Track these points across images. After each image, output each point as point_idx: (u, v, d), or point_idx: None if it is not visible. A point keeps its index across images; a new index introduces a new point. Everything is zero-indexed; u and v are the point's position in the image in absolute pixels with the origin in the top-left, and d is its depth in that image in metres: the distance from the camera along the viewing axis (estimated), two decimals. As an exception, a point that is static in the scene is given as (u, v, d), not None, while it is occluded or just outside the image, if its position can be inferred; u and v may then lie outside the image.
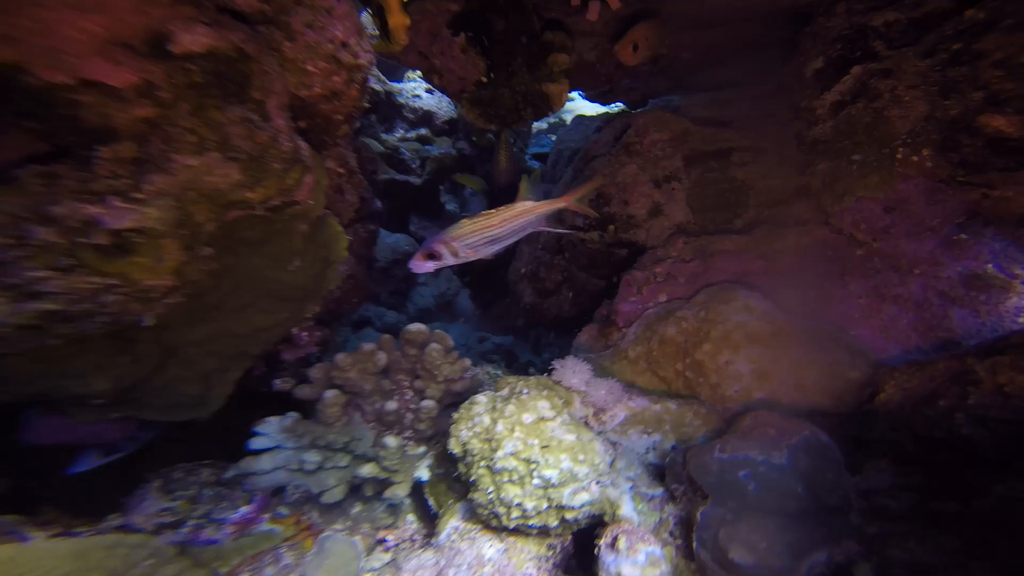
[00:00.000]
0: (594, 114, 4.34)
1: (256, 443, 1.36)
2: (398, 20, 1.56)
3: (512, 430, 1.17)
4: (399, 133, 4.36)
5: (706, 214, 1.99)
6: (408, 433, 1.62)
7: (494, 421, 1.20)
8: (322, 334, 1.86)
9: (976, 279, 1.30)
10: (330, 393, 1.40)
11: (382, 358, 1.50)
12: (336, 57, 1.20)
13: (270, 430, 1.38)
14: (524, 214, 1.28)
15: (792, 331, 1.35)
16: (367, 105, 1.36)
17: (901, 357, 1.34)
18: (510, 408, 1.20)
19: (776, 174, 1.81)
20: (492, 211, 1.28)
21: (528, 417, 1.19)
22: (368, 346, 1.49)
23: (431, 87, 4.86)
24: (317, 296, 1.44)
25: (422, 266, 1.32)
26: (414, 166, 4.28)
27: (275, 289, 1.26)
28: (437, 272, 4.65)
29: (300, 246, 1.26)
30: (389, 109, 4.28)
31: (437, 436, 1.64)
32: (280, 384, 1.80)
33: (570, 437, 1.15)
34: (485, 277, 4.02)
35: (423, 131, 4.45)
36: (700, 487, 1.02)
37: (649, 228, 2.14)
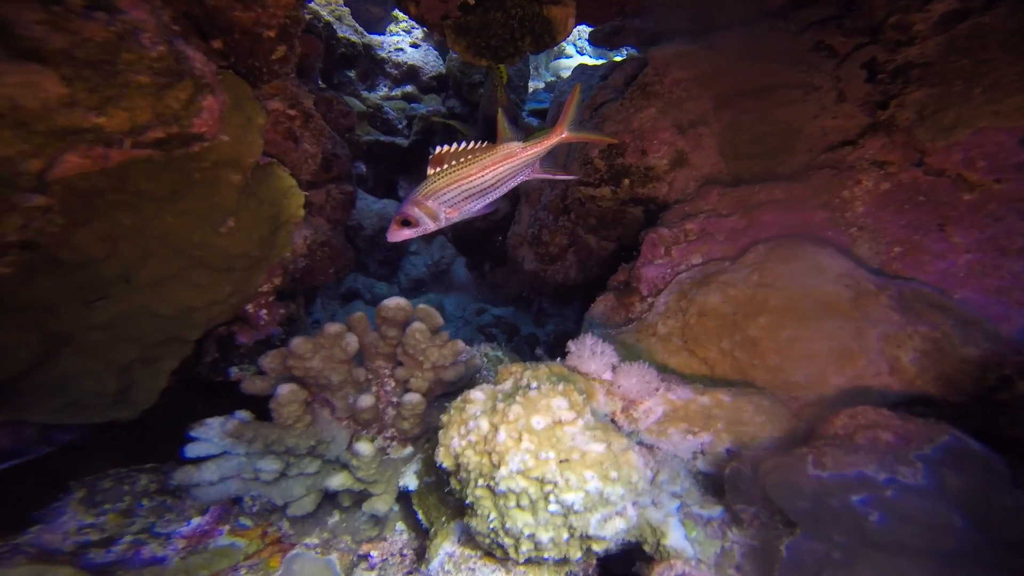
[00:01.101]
0: (597, 63, 3.93)
1: (193, 450, 1.09)
2: None
3: (519, 439, 0.89)
4: (382, 91, 3.95)
5: (741, 163, 1.68)
6: (390, 432, 1.35)
7: (494, 427, 0.92)
8: (286, 311, 1.57)
9: None
10: (284, 389, 1.12)
11: (352, 342, 1.21)
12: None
13: (211, 435, 1.10)
14: (508, 158, 1.03)
15: (880, 296, 1.06)
16: (306, 16, 1.03)
17: None
18: (515, 410, 0.92)
19: (833, 113, 1.49)
20: (466, 155, 1.02)
21: (540, 421, 0.91)
22: (334, 327, 1.19)
23: (416, 41, 4.40)
24: (267, 264, 1.15)
25: (399, 234, 1.11)
26: (400, 126, 3.89)
27: (206, 257, 0.97)
28: (429, 239, 4.34)
29: (233, 202, 0.96)
30: (370, 64, 3.85)
31: (427, 433, 1.37)
32: (236, 373, 1.51)
33: (597, 448, 0.88)
34: (482, 243, 3.72)
35: (409, 88, 4.03)
36: (782, 511, 0.75)
37: (672, 181, 1.82)
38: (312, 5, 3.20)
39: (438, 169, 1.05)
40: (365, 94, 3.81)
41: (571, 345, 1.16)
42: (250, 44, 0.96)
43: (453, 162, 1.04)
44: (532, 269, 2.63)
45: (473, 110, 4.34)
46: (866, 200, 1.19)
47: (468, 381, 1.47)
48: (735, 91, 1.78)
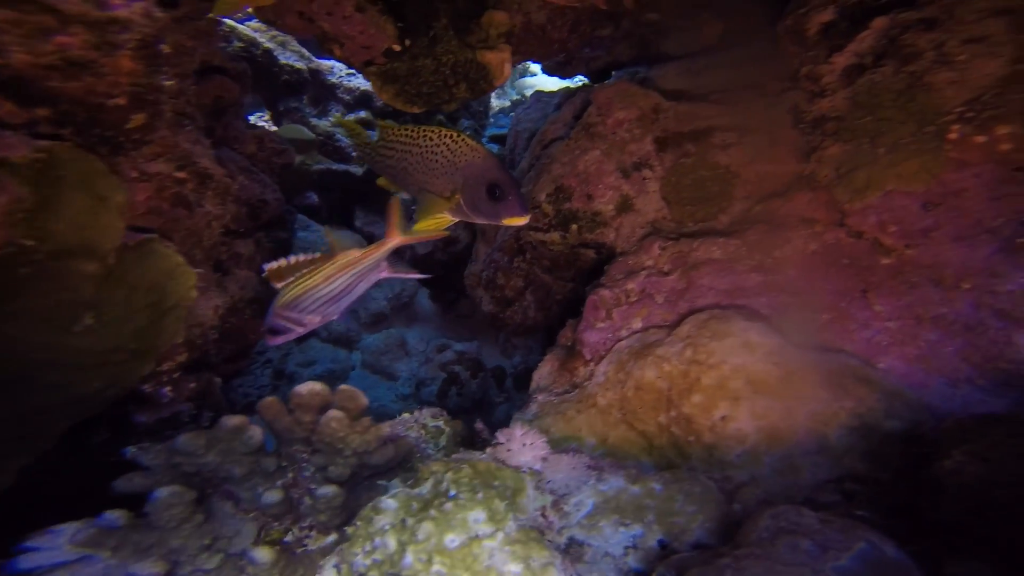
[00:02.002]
0: (555, 89, 3.91)
1: (28, 561, 0.93)
2: None
3: (428, 562, 0.80)
4: (334, 117, 3.83)
5: (684, 208, 1.63)
6: (308, 521, 1.24)
7: (402, 546, 0.82)
8: (197, 385, 1.43)
9: (1045, 294, 0.99)
10: (163, 493, 0.99)
11: (255, 435, 1.10)
12: (50, 5, 0.75)
13: (57, 544, 0.95)
14: (349, 266, 1.10)
15: (808, 373, 1.02)
16: (168, 83, 0.93)
17: (948, 395, 1.03)
18: (426, 528, 0.83)
19: (767, 158, 1.46)
20: (307, 265, 1.09)
21: (454, 540, 0.82)
22: (232, 421, 1.08)
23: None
24: (152, 354, 1.03)
25: (274, 341, 1.16)
26: (354, 154, 3.77)
27: (59, 359, 0.85)
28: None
29: (90, 295, 0.84)
30: (320, 90, 3.73)
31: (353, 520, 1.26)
32: (132, 452, 1.36)
33: (514, 569, 0.79)
34: (445, 274, 3.62)
35: (363, 114, 3.92)
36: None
37: (618, 227, 1.77)
38: (246, 32, 3.06)
39: (284, 283, 1.09)
40: (315, 121, 3.68)
41: (500, 436, 1.08)
42: (89, 114, 0.85)
43: (296, 275, 1.09)
44: (490, 311, 2.54)
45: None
46: (796, 262, 1.15)
47: (402, 460, 1.37)
48: (675, 132, 1.74)
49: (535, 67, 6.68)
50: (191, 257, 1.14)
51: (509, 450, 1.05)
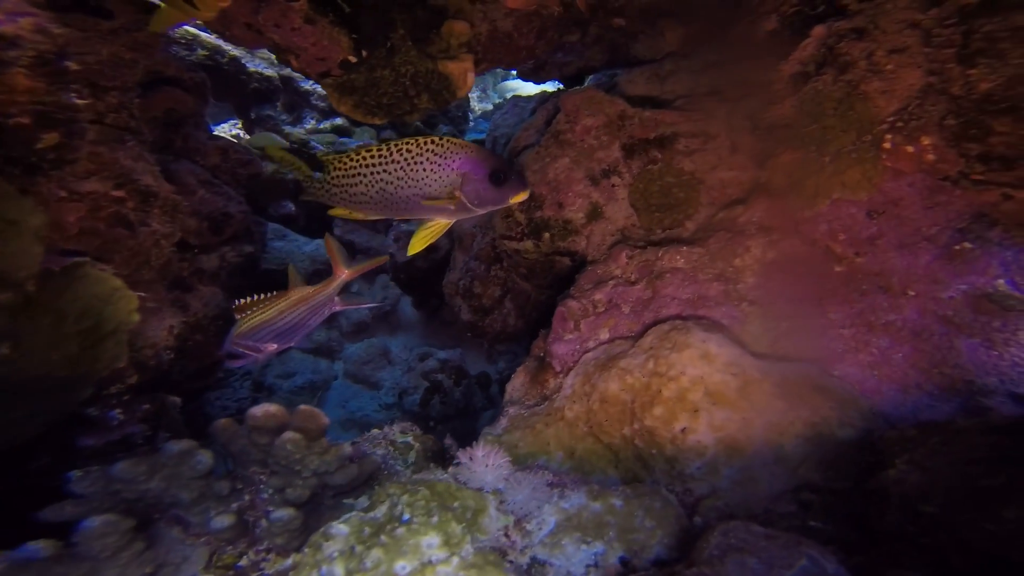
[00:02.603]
0: (533, 94, 3.90)
1: None
2: None
3: (379, 593, 0.77)
4: (309, 124, 3.78)
5: (652, 215, 1.63)
6: (265, 544, 1.20)
7: (350, 574, 0.80)
8: (152, 406, 1.39)
9: (985, 300, 1.00)
10: (93, 523, 0.94)
11: (203, 460, 1.07)
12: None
13: None
14: (301, 302, 1.20)
15: (764, 383, 1.02)
16: (82, 102, 0.89)
17: (899, 401, 1.03)
18: (375, 555, 0.80)
19: (728, 165, 1.46)
20: (263, 302, 1.21)
21: (404, 567, 0.80)
22: (177, 446, 1.05)
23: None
24: (89, 380, 0.99)
25: (235, 363, 1.27)
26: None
27: None
28: (370, 278, 4.17)
29: (5, 325, 0.80)
30: (293, 96, 3.68)
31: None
32: (79, 475, 1.32)
33: (466, 597, 0.77)
34: (427, 280, 3.58)
35: (338, 120, 3.88)
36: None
37: (589, 235, 1.76)
38: (210, 39, 3.00)
39: (242, 318, 1.20)
40: (288, 129, 3.63)
41: (461, 456, 1.06)
42: None
43: (254, 309, 1.18)
44: (468, 320, 2.52)
45: (408, 142, 4.21)
46: (755, 270, 1.15)
47: (368, 479, 1.34)
48: (642, 139, 1.74)
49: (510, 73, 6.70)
50: (137, 278, 1.10)
51: (471, 470, 1.03)
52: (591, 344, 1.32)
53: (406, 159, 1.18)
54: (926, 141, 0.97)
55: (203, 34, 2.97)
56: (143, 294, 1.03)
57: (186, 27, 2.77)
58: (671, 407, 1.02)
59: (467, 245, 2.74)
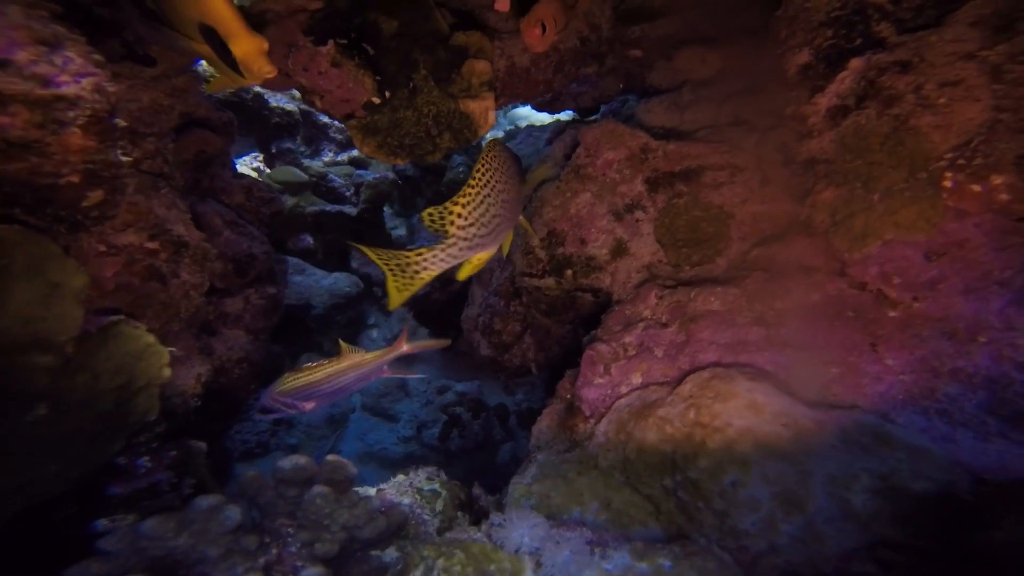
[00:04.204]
0: (546, 123, 3.94)
1: None
2: (248, 46, 1.00)
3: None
4: (327, 156, 3.86)
5: (679, 251, 1.60)
6: None
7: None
8: (178, 454, 1.37)
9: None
10: None
11: (232, 516, 1.03)
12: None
13: None
14: (354, 368, 1.21)
15: (822, 434, 0.96)
16: (126, 159, 0.90)
17: (979, 450, 0.96)
18: (414, 635, 0.75)
19: (760, 198, 1.43)
20: (317, 365, 1.21)
21: (444, 647, 0.74)
22: (206, 501, 1.02)
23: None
24: (122, 433, 0.97)
25: (264, 417, 1.26)
26: (347, 194, 3.79)
27: (11, 447, 0.80)
28: (387, 312, 4.17)
29: (43, 385, 0.79)
30: (312, 130, 3.78)
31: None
32: (105, 525, 1.28)
33: None
34: (443, 313, 3.57)
35: (355, 152, 3.96)
36: None
37: (614, 272, 1.73)
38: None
39: (289, 374, 1.19)
40: (307, 163, 3.71)
41: (495, 516, 1.01)
42: (38, 195, 0.81)
43: (305, 372, 1.19)
44: (488, 355, 2.48)
45: (425, 174, 4.27)
46: (798, 314, 1.11)
47: (396, 529, 1.30)
48: (666, 172, 1.72)
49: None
50: (167, 331, 1.10)
51: (507, 533, 0.98)
52: (623, 389, 1.27)
53: (500, 171, 0.98)
54: (997, 180, 0.92)
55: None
56: (173, 349, 1.02)
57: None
58: (718, 459, 0.96)
59: (485, 280, 2.72)
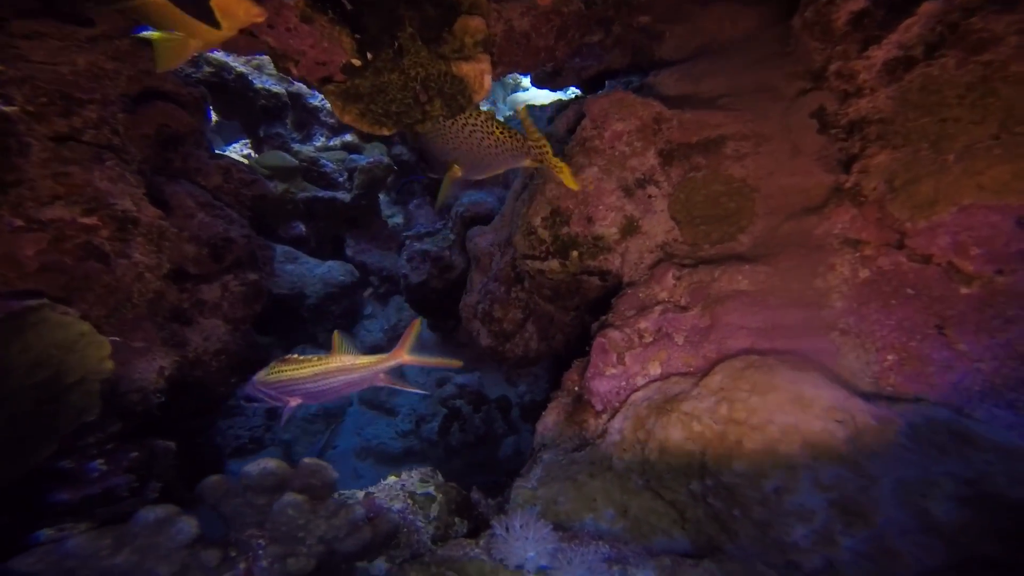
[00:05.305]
0: (547, 103, 3.78)
1: None
2: None
3: None
4: (319, 142, 3.70)
5: (697, 228, 1.45)
6: None
7: None
8: (140, 454, 1.23)
9: None
10: None
11: (185, 530, 0.90)
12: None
13: None
14: (342, 372, 1.10)
15: (886, 432, 0.82)
16: (9, 108, 0.75)
17: None
18: None
19: (790, 170, 1.28)
20: (305, 359, 1.12)
21: None
22: (152, 514, 0.88)
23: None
24: (54, 436, 0.84)
25: (250, 405, 1.20)
26: (340, 179, 3.63)
27: None
28: (384, 301, 4.04)
29: None
30: (302, 114, 3.60)
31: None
32: (50, 534, 1.15)
33: None
34: (442, 302, 3.43)
35: (348, 137, 3.79)
36: None
37: (624, 252, 1.58)
38: (216, 56, 2.93)
39: (278, 365, 1.11)
40: (297, 147, 3.54)
41: (497, 526, 0.87)
42: None
43: (292, 364, 1.11)
44: (488, 345, 2.35)
45: (420, 159, 4.10)
46: (844, 292, 0.96)
47: (386, 538, 1.16)
48: (682, 143, 1.57)
49: (527, 81, 6.60)
50: (118, 318, 0.95)
51: (509, 543, 0.85)
52: (639, 381, 1.13)
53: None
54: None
55: (208, 52, 2.91)
56: (117, 339, 0.88)
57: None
58: (758, 462, 0.83)
59: (485, 265, 2.58)
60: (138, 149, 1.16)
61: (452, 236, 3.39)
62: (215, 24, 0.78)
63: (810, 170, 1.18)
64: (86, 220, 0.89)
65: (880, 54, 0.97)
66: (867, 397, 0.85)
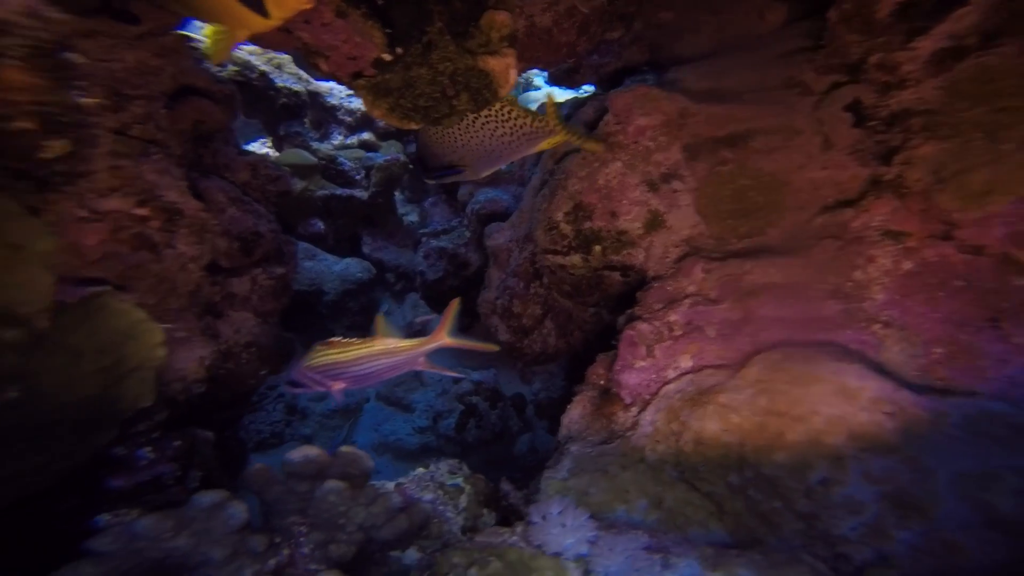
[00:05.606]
0: (563, 100, 3.77)
1: None
2: None
3: None
4: (337, 140, 3.73)
5: (724, 222, 1.45)
6: None
7: None
8: (183, 443, 1.26)
9: None
10: None
11: (236, 514, 0.93)
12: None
13: None
14: (385, 355, 1.10)
15: (940, 423, 0.81)
16: (88, 100, 0.77)
17: None
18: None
19: (822, 163, 1.27)
20: (348, 342, 1.11)
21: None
22: (207, 498, 0.91)
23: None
24: (112, 421, 0.86)
25: (292, 390, 1.16)
26: (358, 177, 3.66)
27: None
28: (400, 297, 4.07)
29: (13, 366, 0.68)
30: (320, 112, 3.64)
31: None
32: (109, 519, 1.19)
33: None
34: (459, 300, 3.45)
35: (365, 135, 3.82)
36: None
37: (648, 247, 1.58)
38: (240, 55, 2.98)
39: (322, 348, 1.10)
40: (316, 145, 3.58)
41: (533, 513, 0.88)
42: None
43: (336, 347, 1.10)
44: (507, 340, 2.36)
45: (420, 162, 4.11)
46: (886, 284, 0.95)
47: (417, 530, 1.18)
48: (708, 138, 1.56)
49: (539, 80, 6.59)
50: (164, 307, 0.98)
51: (546, 532, 0.86)
52: (670, 373, 1.13)
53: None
54: None
55: (233, 50, 2.96)
56: (170, 325, 0.91)
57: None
58: (801, 454, 0.83)
59: (503, 261, 2.59)
60: (176, 144, 1.19)
61: (467, 233, 3.40)
62: (264, 13, 0.80)
63: (844, 163, 1.17)
64: (139, 211, 0.92)
65: (927, 44, 0.96)
66: (916, 389, 0.85)
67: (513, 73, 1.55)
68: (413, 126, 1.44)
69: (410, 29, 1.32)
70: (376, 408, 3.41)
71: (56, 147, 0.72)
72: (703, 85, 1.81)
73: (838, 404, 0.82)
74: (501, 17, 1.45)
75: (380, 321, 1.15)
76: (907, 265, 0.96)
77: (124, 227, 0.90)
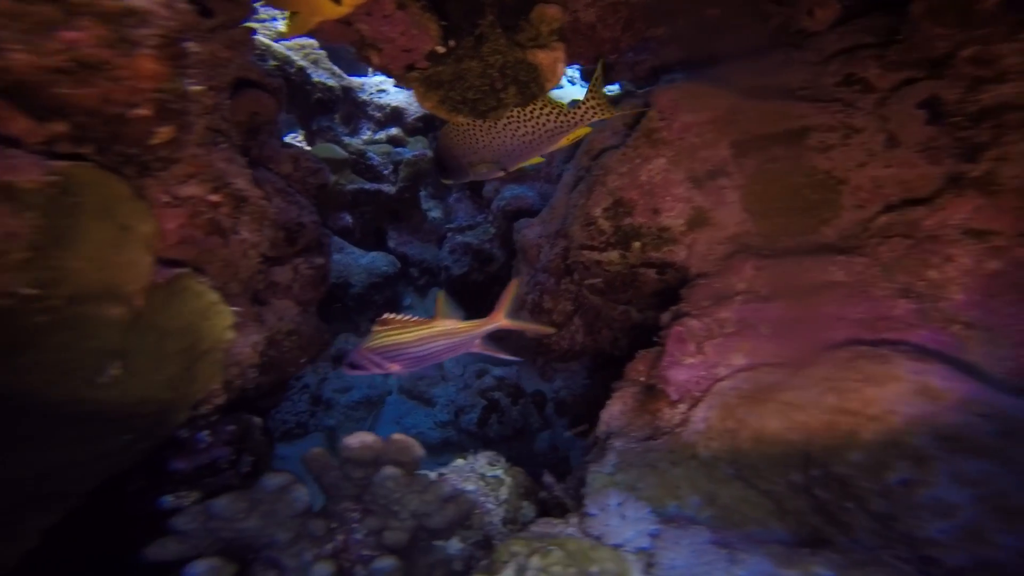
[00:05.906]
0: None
1: None
2: None
3: None
4: (365, 135, 3.77)
5: (774, 220, 1.42)
6: None
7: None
8: (236, 428, 1.28)
9: None
10: (200, 569, 0.83)
11: (300, 497, 0.94)
12: None
13: None
14: (445, 336, 1.11)
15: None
16: (198, 88, 0.79)
17: None
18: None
19: (884, 161, 1.24)
20: (406, 322, 1.11)
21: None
22: (275, 480, 0.92)
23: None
24: (186, 403, 0.88)
25: (351, 372, 1.17)
26: (386, 172, 3.69)
27: (85, 413, 0.72)
28: (423, 293, 4.10)
29: (117, 342, 0.70)
30: (351, 108, 3.69)
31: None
32: (171, 502, 1.21)
33: None
34: (481, 295, 3.46)
35: (393, 131, 3.85)
36: None
37: (691, 244, 1.56)
38: (281, 50, 3.03)
39: (380, 329, 1.10)
40: (347, 140, 3.62)
41: (591, 505, 0.88)
42: (109, 128, 0.71)
43: (395, 328, 1.10)
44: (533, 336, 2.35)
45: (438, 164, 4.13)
46: (967, 284, 0.92)
47: (462, 520, 1.18)
48: (758, 135, 1.54)
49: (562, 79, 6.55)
50: (227, 291, 1.00)
51: (606, 524, 0.85)
52: (722, 371, 1.12)
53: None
54: None
55: (275, 44, 3.01)
56: (237, 308, 0.92)
57: (260, 37, 2.81)
58: (879, 453, 0.80)
59: (532, 257, 2.58)
60: (237, 135, 1.21)
61: (492, 229, 3.41)
62: (338, 0, 0.82)
63: (911, 161, 1.14)
64: (213, 198, 0.94)
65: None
66: (1010, 392, 0.81)
67: (561, 67, 1.54)
68: (461, 119, 1.45)
69: (463, 22, 1.32)
70: (398, 401, 3.43)
71: (164, 133, 0.74)
72: (751, 82, 1.78)
73: (920, 404, 0.80)
74: (552, 11, 1.45)
75: (441, 300, 1.14)
76: (992, 264, 0.93)
77: (200, 212, 0.92)
